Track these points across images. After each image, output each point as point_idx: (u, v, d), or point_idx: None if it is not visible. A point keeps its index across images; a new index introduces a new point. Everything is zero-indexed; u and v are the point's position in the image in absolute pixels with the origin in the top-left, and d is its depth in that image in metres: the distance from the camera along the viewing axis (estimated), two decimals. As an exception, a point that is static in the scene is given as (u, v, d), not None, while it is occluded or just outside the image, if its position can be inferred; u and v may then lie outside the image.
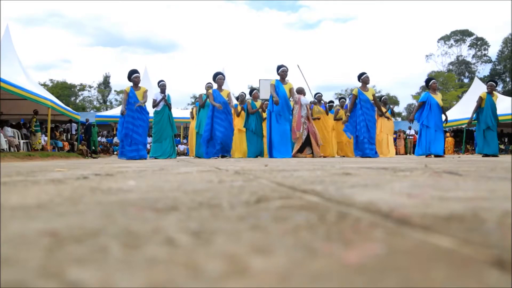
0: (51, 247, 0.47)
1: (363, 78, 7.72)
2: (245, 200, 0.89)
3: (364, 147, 7.39)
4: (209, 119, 7.39)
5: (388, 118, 9.46)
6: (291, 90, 7.45)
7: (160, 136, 7.70)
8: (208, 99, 7.60)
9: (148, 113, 7.13)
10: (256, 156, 8.44)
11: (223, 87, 7.66)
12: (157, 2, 77.26)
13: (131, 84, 6.99)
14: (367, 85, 7.78)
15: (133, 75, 6.97)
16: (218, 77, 7.51)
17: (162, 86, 7.79)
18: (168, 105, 7.73)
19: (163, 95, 7.72)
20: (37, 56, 65.61)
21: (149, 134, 10.10)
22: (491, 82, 7.80)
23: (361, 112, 7.50)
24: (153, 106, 7.70)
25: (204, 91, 8.28)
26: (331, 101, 10.17)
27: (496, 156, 7.31)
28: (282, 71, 7.43)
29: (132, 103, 6.81)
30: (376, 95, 8.76)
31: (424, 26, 67.47)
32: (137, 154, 6.79)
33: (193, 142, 9.10)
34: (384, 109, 9.62)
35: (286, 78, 7.50)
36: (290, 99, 7.52)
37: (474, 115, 7.76)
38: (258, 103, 8.78)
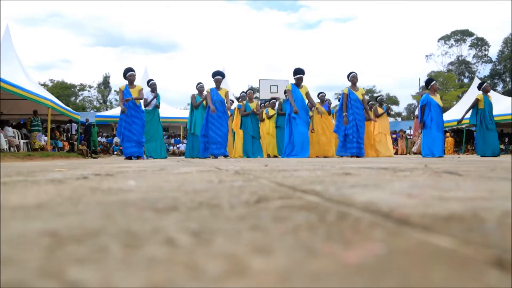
0: (51, 247, 0.47)
1: (350, 77, 7.77)
2: (245, 200, 0.89)
3: (353, 146, 7.44)
4: (205, 117, 7.43)
5: (373, 119, 9.26)
6: (307, 94, 7.56)
7: (152, 136, 7.70)
8: (206, 99, 7.62)
9: (143, 112, 7.13)
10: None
11: (221, 86, 7.70)
12: (157, 2, 77.33)
13: (126, 82, 7.00)
14: (357, 85, 7.79)
15: (128, 73, 6.97)
16: (216, 78, 7.57)
17: (152, 85, 7.78)
18: (156, 106, 7.74)
19: (154, 94, 7.71)
20: (37, 56, 65.72)
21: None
22: (485, 84, 7.85)
23: (351, 112, 7.54)
24: (145, 106, 7.67)
25: (196, 92, 8.27)
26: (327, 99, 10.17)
27: (496, 156, 7.31)
28: (298, 78, 7.52)
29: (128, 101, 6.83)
30: (376, 95, 8.79)
31: (424, 26, 67.57)
32: (131, 151, 6.82)
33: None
34: (381, 110, 9.60)
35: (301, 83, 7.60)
36: (306, 101, 7.59)
37: (469, 116, 7.78)
38: (253, 104, 8.76)
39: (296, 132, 7.38)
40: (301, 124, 7.39)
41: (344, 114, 7.67)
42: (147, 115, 7.67)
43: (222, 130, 7.46)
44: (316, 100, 9.03)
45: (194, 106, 8.18)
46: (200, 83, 8.30)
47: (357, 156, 7.33)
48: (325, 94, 9.32)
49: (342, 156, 7.70)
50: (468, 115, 8.02)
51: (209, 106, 7.39)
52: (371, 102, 10.16)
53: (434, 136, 7.18)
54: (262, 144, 9.08)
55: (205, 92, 7.83)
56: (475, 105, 7.67)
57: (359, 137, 7.51)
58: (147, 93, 7.78)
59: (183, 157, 10.52)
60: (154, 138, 7.71)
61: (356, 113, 7.55)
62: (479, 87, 8.00)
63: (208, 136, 7.38)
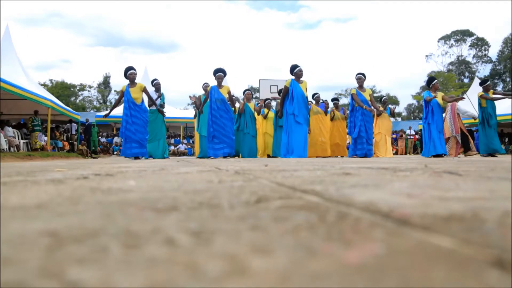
0: (51, 247, 0.47)
1: (356, 78, 7.80)
2: (245, 200, 0.88)
3: (363, 147, 7.48)
4: (209, 117, 7.40)
5: (380, 114, 9.41)
6: (307, 89, 7.52)
7: (154, 136, 7.67)
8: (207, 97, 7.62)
9: (145, 111, 7.05)
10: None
11: (223, 84, 7.66)
12: (157, 2, 77.32)
13: (127, 81, 6.99)
14: (364, 86, 7.81)
15: (128, 72, 6.95)
16: (217, 75, 7.51)
17: (157, 85, 7.76)
18: (161, 105, 7.71)
19: (158, 93, 7.69)
20: (37, 56, 65.76)
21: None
22: (487, 83, 7.84)
23: (360, 113, 7.56)
24: (149, 106, 7.66)
25: (203, 92, 8.24)
26: (336, 99, 10.20)
27: (496, 155, 7.32)
28: (299, 71, 7.47)
29: (126, 100, 6.81)
30: (376, 95, 8.83)
31: (424, 26, 67.64)
32: (130, 153, 6.79)
33: (197, 143, 9.10)
34: (382, 108, 9.67)
35: (301, 78, 7.55)
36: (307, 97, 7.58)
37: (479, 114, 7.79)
38: (251, 104, 8.77)
39: (295, 132, 7.37)
40: (300, 122, 7.37)
41: (364, 107, 7.59)
42: (151, 115, 7.64)
43: (226, 129, 7.43)
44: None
45: (199, 110, 8.11)
46: (206, 83, 8.28)
47: (366, 156, 7.37)
48: (320, 95, 9.32)
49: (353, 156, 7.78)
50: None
51: (211, 106, 7.34)
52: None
53: (436, 135, 7.21)
54: (259, 144, 9.08)
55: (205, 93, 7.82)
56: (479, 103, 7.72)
57: (368, 138, 7.57)
58: (151, 93, 7.77)
59: (185, 157, 10.51)
60: (157, 138, 7.68)
61: (364, 114, 7.59)
62: (481, 84, 7.99)
63: (214, 135, 7.36)
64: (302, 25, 77.93)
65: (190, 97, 8.21)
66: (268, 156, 9.14)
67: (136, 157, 6.82)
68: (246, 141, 8.59)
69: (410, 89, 69.15)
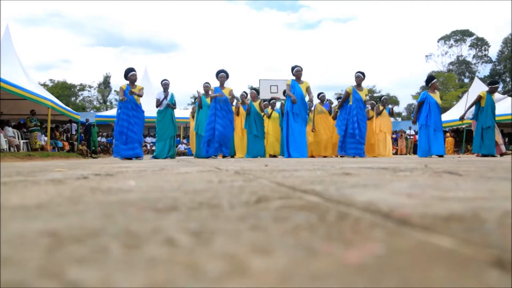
0: (51, 247, 0.47)
1: (354, 77, 7.83)
2: (245, 200, 0.89)
3: (354, 146, 7.48)
4: (211, 117, 7.40)
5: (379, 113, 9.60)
6: (307, 89, 7.56)
7: (161, 135, 7.67)
8: (209, 95, 7.62)
9: (143, 112, 7.06)
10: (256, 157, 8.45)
11: (225, 85, 7.68)
12: (157, 2, 77.40)
13: (127, 82, 6.98)
14: (362, 85, 7.83)
15: (129, 73, 6.93)
16: (220, 75, 7.54)
17: (165, 85, 7.74)
18: (169, 106, 7.69)
19: (165, 93, 7.69)
20: (37, 56, 65.59)
21: (149, 134, 9.99)
22: (497, 85, 7.81)
23: (355, 111, 7.56)
24: (157, 106, 7.66)
25: (202, 91, 8.24)
26: (340, 97, 10.25)
27: (494, 156, 7.31)
28: (296, 71, 7.56)
29: (128, 101, 6.80)
30: (376, 95, 8.85)
31: (424, 26, 67.58)
32: (133, 153, 6.73)
33: (194, 142, 9.09)
34: (381, 107, 9.71)
35: (301, 78, 7.60)
36: (306, 97, 7.60)
37: (472, 115, 7.77)
38: (256, 104, 8.78)
39: (294, 131, 7.38)
40: (299, 122, 7.37)
41: (336, 110, 7.73)
42: (159, 115, 7.65)
43: (227, 129, 7.45)
44: (316, 100, 9.05)
45: (199, 105, 8.14)
46: (206, 82, 8.28)
47: (358, 156, 7.35)
48: (325, 94, 9.34)
49: (342, 156, 7.73)
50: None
51: (214, 105, 7.36)
52: (371, 102, 10.26)
53: (432, 135, 7.19)
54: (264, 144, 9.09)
55: (210, 92, 7.82)
56: (477, 102, 7.67)
57: (361, 137, 7.54)
58: (159, 93, 7.77)
59: (184, 157, 10.49)
60: (163, 138, 7.66)
61: (358, 113, 7.58)
62: (488, 84, 7.98)
63: (214, 134, 7.36)
64: (302, 25, 77.89)
65: (198, 91, 8.12)
66: (270, 156, 9.14)
67: (128, 158, 6.76)
68: (251, 141, 8.59)
69: (410, 89, 69.26)
